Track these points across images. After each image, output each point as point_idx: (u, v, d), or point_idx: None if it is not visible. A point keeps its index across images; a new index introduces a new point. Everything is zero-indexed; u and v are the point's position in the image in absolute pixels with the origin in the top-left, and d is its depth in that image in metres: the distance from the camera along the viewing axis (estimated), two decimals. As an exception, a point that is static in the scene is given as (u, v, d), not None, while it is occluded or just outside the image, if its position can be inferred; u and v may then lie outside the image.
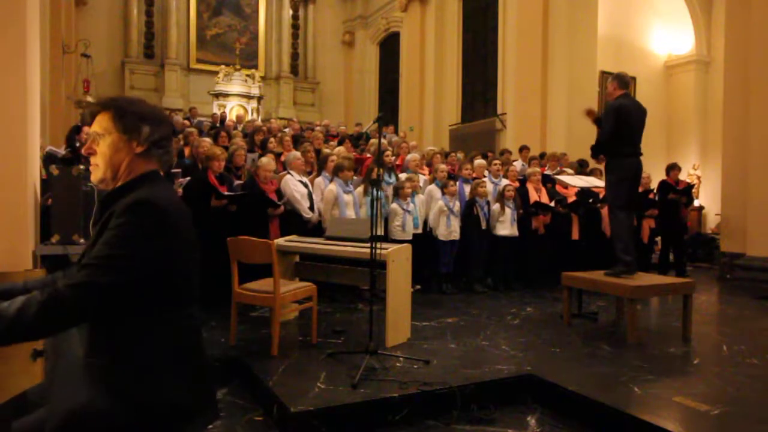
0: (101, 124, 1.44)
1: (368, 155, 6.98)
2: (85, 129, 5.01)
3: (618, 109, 4.30)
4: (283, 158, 6.05)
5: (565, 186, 6.40)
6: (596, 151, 4.58)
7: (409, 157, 6.59)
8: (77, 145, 4.81)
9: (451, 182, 5.95)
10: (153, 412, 1.32)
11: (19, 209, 2.94)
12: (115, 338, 1.32)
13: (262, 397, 3.01)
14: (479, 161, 6.80)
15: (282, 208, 5.08)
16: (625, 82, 4.47)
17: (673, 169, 7.76)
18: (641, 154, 4.44)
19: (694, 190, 9.82)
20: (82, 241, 3.32)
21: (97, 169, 1.45)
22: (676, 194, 7.52)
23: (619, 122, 4.28)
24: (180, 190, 4.77)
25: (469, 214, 5.99)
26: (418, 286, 5.76)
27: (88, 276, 1.24)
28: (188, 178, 5.07)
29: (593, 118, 4.64)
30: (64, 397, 1.33)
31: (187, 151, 6.93)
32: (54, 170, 3.40)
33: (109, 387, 1.30)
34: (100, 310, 1.26)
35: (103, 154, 1.43)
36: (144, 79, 15.26)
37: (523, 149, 8.44)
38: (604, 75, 10.10)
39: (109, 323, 1.32)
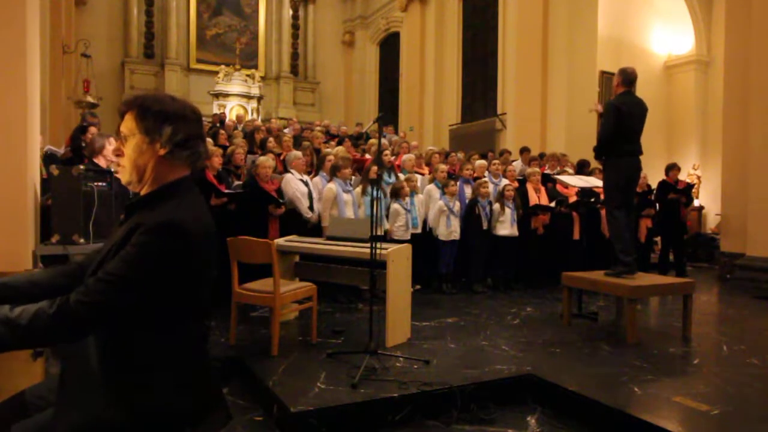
0: (126, 124, 1.41)
1: (368, 156, 6.98)
2: (92, 130, 5.00)
3: (618, 109, 4.27)
4: (282, 158, 6.05)
5: (566, 186, 6.40)
6: (598, 151, 4.55)
7: (405, 157, 6.60)
8: (83, 145, 4.81)
9: (452, 182, 5.95)
10: (164, 420, 1.32)
11: (19, 209, 2.94)
12: (126, 348, 1.32)
13: (262, 397, 3.01)
14: (480, 161, 6.81)
15: (283, 208, 5.09)
16: (629, 79, 4.38)
17: (672, 169, 7.77)
18: (641, 153, 4.42)
19: (694, 190, 9.82)
20: (82, 241, 3.32)
21: (124, 171, 1.43)
22: (676, 194, 7.52)
23: (619, 121, 4.26)
24: None
25: (470, 214, 5.99)
26: (418, 286, 5.76)
27: (100, 294, 1.23)
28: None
29: (600, 113, 4.63)
30: (73, 405, 1.32)
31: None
32: (54, 170, 3.39)
33: (120, 396, 1.29)
34: (109, 326, 1.27)
35: (129, 156, 1.40)
36: (144, 79, 15.24)
37: (524, 151, 8.42)
38: (604, 75, 10.10)
39: (121, 334, 1.32)
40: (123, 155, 1.42)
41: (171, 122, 1.39)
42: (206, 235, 1.38)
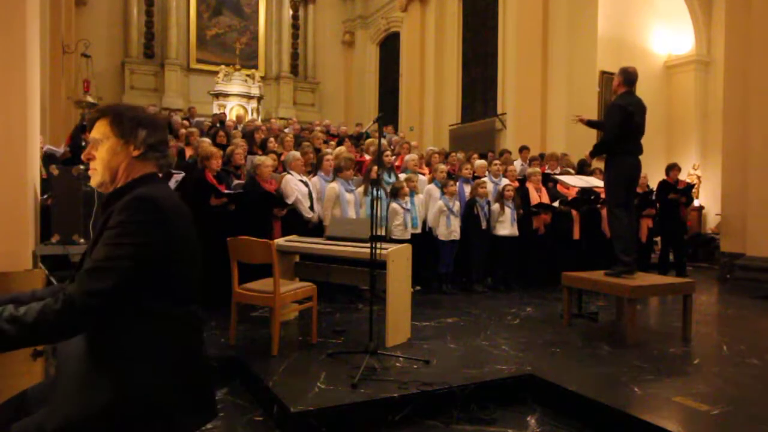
0: (99, 129, 1.50)
1: (366, 156, 6.98)
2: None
3: (623, 108, 4.28)
4: (283, 158, 6.05)
5: (567, 186, 6.40)
6: (599, 150, 4.56)
7: (407, 157, 6.60)
8: (82, 145, 4.80)
9: (451, 182, 5.95)
10: (152, 410, 1.34)
11: (19, 209, 2.94)
12: (116, 338, 1.34)
13: (262, 397, 3.01)
14: (479, 161, 6.81)
15: (286, 210, 5.10)
16: (630, 79, 4.40)
17: (672, 168, 7.77)
18: (641, 153, 4.43)
19: (694, 190, 9.82)
20: (82, 241, 3.32)
21: (96, 174, 1.50)
22: (677, 194, 7.52)
23: (624, 121, 4.27)
24: (173, 186, 4.74)
25: (469, 213, 5.99)
26: (418, 287, 5.76)
27: (95, 282, 1.27)
28: (182, 174, 5.06)
29: (585, 122, 4.66)
30: (65, 397, 1.33)
31: (188, 151, 6.93)
32: (54, 170, 3.40)
33: (110, 386, 1.31)
34: (112, 313, 1.29)
35: (102, 158, 1.49)
36: (144, 79, 15.24)
37: (523, 149, 8.44)
38: (604, 75, 10.10)
39: (105, 327, 1.33)
40: (94, 159, 1.50)
41: (144, 126, 1.51)
42: (179, 211, 1.44)
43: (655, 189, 7.78)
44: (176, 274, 1.40)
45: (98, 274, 1.28)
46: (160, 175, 1.58)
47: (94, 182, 1.52)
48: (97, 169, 1.50)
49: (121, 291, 1.28)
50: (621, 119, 4.26)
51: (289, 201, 5.16)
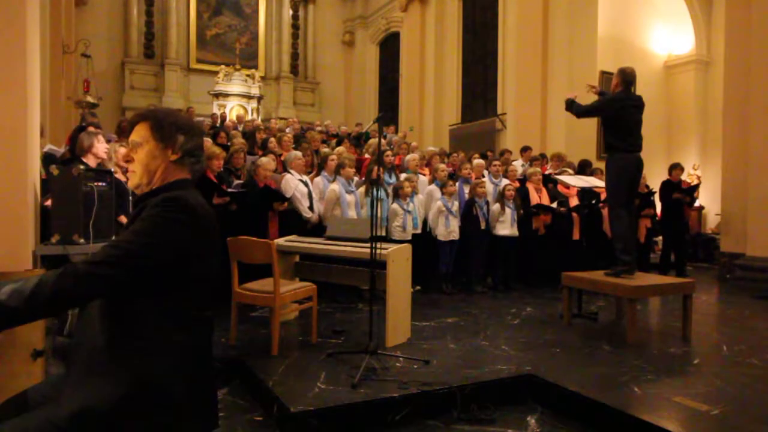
0: (139, 133, 1.55)
1: (366, 156, 6.97)
2: (90, 129, 4.99)
3: (614, 101, 4.36)
4: (283, 158, 6.05)
5: (567, 186, 6.39)
6: (570, 107, 4.68)
7: (408, 157, 6.60)
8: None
9: (450, 182, 5.94)
10: (163, 406, 1.35)
11: (19, 209, 2.94)
12: (135, 332, 1.36)
13: (262, 397, 3.01)
14: (477, 161, 6.81)
15: (286, 204, 5.10)
16: (627, 79, 4.44)
17: (675, 168, 7.78)
18: (641, 149, 4.44)
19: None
20: (82, 241, 3.31)
21: (134, 175, 1.55)
22: (682, 194, 7.52)
23: (616, 113, 4.32)
24: None
25: (468, 214, 5.99)
26: (418, 287, 5.76)
27: (108, 256, 1.30)
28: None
29: (596, 91, 4.73)
30: (78, 386, 1.35)
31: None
32: (54, 170, 3.39)
33: (126, 378, 1.33)
34: (114, 290, 1.31)
35: (141, 161, 1.53)
36: (144, 79, 15.24)
37: (525, 150, 8.42)
38: (604, 75, 10.10)
39: (126, 320, 1.36)
40: (133, 161, 1.55)
41: (183, 132, 1.57)
42: (208, 216, 1.48)
43: (654, 189, 7.78)
44: (197, 274, 1.44)
45: (113, 251, 1.31)
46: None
47: (131, 183, 1.57)
48: (135, 171, 1.54)
49: (127, 273, 1.30)
50: (607, 108, 4.37)
51: (287, 195, 5.16)
